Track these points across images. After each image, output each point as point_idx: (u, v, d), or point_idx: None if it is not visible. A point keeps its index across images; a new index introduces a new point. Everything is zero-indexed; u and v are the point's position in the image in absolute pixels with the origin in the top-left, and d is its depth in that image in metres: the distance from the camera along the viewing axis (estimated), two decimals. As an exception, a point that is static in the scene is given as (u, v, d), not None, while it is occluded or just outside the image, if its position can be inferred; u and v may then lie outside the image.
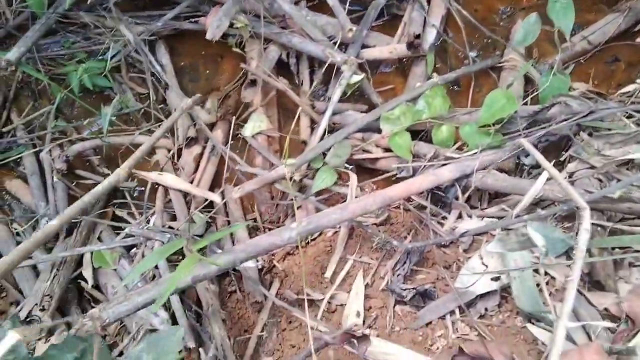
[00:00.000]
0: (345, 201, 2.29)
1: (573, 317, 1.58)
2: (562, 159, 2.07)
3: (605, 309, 1.60)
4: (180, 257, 2.24)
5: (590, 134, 2.01)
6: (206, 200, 2.33)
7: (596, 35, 2.33)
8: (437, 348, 1.80)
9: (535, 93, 2.16)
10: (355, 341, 1.69)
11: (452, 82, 2.46)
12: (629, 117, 2.04)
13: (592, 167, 1.90)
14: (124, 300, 1.64)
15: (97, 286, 2.21)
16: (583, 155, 1.95)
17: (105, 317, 1.60)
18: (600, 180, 1.86)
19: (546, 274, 1.81)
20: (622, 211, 1.76)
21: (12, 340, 0.79)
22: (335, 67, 2.35)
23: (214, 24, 2.36)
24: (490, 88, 2.47)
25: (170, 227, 2.29)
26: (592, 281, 1.67)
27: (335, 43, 2.42)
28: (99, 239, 2.32)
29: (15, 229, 2.37)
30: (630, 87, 2.21)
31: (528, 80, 2.36)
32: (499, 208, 2.06)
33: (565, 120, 1.91)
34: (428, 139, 2.23)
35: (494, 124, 2.01)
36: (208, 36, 2.38)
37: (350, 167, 2.37)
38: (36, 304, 2.04)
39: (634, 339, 1.48)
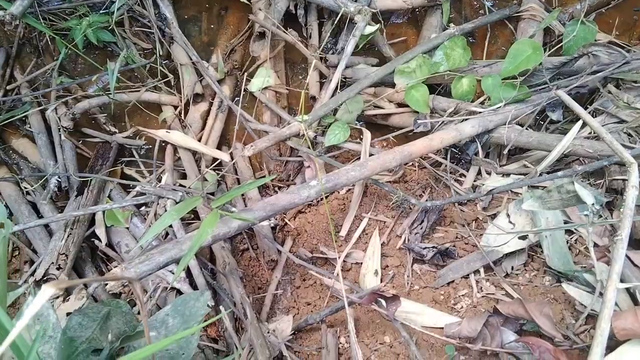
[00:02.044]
0: (356, 158, 2.08)
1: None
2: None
3: (650, 269, 1.41)
4: (192, 216, 2.05)
5: (617, 87, 1.77)
6: (216, 158, 2.11)
7: (621, -18, 2.06)
8: (462, 307, 1.63)
9: (559, 44, 1.90)
10: (383, 301, 1.50)
11: (467, 34, 2.18)
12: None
13: (622, 121, 1.68)
14: (146, 259, 1.45)
15: (110, 244, 2.02)
16: (611, 108, 1.72)
17: (128, 276, 1.41)
18: (629, 135, 1.64)
19: (573, 232, 1.61)
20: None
21: (46, 295, 0.62)
22: (348, 17, 2.07)
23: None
24: (506, 40, 2.22)
25: (181, 185, 2.08)
26: (632, 240, 1.46)
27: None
28: (110, 197, 2.11)
29: (25, 188, 2.15)
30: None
31: (546, 31, 2.10)
32: (520, 164, 1.84)
33: (597, 71, 1.66)
34: (445, 94, 1.99)
35: (517, 76, 1.76)
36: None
37: (360, 123, 2.14)
38: (52, 263, 1.86)
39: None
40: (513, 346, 1.43)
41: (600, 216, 1.55)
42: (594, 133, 1.67)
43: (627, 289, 1.41)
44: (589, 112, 1.81)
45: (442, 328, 1.52)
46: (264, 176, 2.18)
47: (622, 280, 1.32)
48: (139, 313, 1.79)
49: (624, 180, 1.54)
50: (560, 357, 1.35)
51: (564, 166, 1.76)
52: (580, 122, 1.58)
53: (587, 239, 1.32)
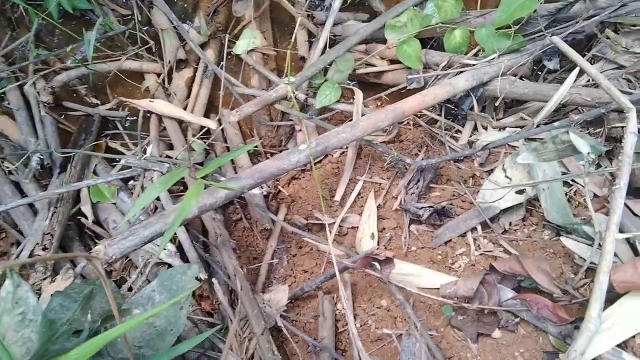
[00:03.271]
0: (349, 120, 2.10)
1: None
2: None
3: (651, 219, 1.44)
4: (181, 188, 2.08)
5: (615, 31, 1.77)
6: (203, 126, 2.12)
7: None
8: (459, 266, 1.67)
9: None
10: (377, 264, 1.54)
11: (460, -17, 2.17)
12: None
13: (621, 67, 1.69)
14: (130, 234, 1.47)
15: (97, 221, 2.05)
16: (609, 54, 1.72)
17: (111, 253, 1.43)
18: (629, 81, 1.65)
19: (572, 185, 1.64)
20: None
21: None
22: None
23: None
24: (501, -12, 2.20)
25: (168, 156, 2.10)
26: (631, 189, 1.48)
27: (331, -56, 2.11)
28: (95, 172, 2.13)
29: (7, 167, 2.17)
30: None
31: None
32: (517, 117, 1.86)
33: (594, 16, 1.66)
34: (439, 47, 1.99)
35: (512, 25, 1.76)
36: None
37: (352, 82, 2.14)
38: (37, 244, 1.90)
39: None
40: (511, 304, 1.47)
41: (600, 165, 1.57)
42: (593, 80, 1.68)
43: (627, 240, 1.43)
44: (587, 59, 1.81)
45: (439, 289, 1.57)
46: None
47: (621, 231, 1.34)
48: (129, 290, 1.84)
49: (623, 127, 1.56)
50: (559, 313, 1.39)
51: (562, 116, 1.77)
52: (577, 70, 1.59)
53: (585, 189, 1.34)
